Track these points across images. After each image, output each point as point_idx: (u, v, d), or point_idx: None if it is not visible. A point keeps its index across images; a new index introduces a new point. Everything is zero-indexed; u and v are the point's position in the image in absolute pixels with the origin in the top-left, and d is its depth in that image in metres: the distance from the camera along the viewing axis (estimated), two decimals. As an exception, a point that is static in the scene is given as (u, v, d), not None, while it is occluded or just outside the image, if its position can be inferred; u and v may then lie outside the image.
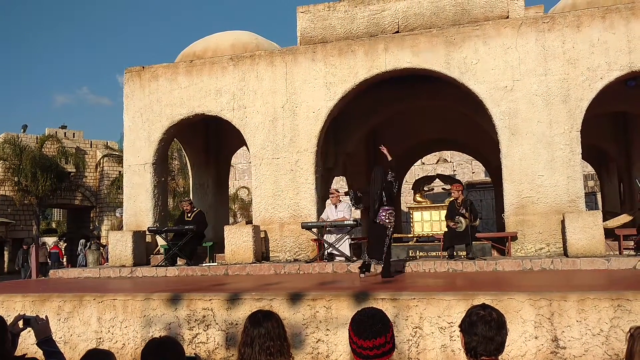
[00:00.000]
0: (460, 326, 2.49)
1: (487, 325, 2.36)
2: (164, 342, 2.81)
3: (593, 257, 9.22)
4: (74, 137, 35.22)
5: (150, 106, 12.78)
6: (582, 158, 10.62)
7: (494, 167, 15.04)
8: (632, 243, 10.13)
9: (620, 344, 5.45)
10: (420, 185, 15.55)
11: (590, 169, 21.13)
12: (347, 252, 10.74)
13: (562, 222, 9.96)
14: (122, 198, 13.58)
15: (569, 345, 5.66)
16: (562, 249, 10.07)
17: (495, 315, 2.41)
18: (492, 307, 2.47)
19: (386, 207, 8.68)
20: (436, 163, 27.48)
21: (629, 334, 2.24)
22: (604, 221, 10.68)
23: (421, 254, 11.58)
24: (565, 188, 10.24)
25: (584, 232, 9.62)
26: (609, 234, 10.63)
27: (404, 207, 21.63)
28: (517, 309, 5.84)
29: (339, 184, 23.98)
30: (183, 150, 16.97)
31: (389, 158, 8.90)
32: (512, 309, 5.84)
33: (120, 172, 29.83)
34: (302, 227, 11.03)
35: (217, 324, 6.80)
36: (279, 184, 11.68)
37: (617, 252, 10.02)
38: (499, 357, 2.41)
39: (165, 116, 12.66)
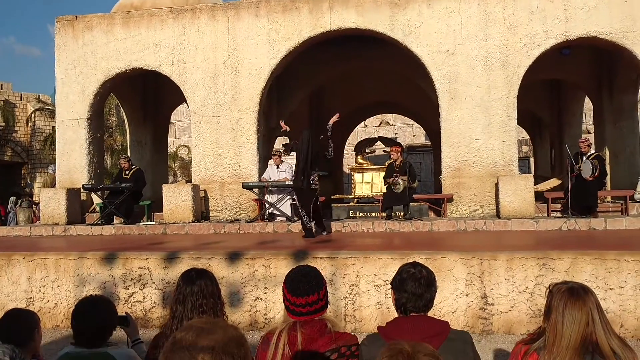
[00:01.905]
0: (391, 283, 2.54)
1: (416, 282, 2.41)
2: (95, 300, 2.75)
3: (523, 219, 9.63)
4: (1, 89, 33.26)
5: (85, 58, 12.18)
6: (518, 123, 10.95)
7: (433, 131, 15.31)
8: (559, 205, 10.63)
9: (543, 300, 5.73)
10: (362, 147, 15.67)
11: (525, 135, 21.88)
12: (288, 212, 10.78)
13: (496, 185, 10.32)
14: (56, 154, 13.03)
15: (497, 301, 5.94)
16: (495, 210, 10.46)
17: (425, 272, 2.46)
18: (422, 265, 2.53)
19: (313, 173, 8.71)
20: (379, 126, 27.75)
21: (548, 290, 2.35)
22: (535, 185, 11.14)
23: (361, 214, 11.77)
24: (501, 152, 10.57)
25: (516, 195, 10.01)
26: (540, 196, 11.12)
27: (345, 169, 21.82)
28: (449, 268, 6.05)
29: (282, 144, 23.86)
30: (121, 106, 16.38)
31: (285, 128, 9.15)
32: (445, 268, 6.04)
33: (53, 127, 28.48)
34: (243, 187, 10.95)
35: (153, 282, 6.72)
36: (219, 142, 11.49)
37: (546, 214, 10.51)
38: (428, 313, 2.47)
39: (100, 69, 12.12)
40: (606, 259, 5.80)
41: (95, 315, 2.68)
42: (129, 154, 14.58)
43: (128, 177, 11.80)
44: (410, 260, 2.72)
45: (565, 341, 2.15)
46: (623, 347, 2.16)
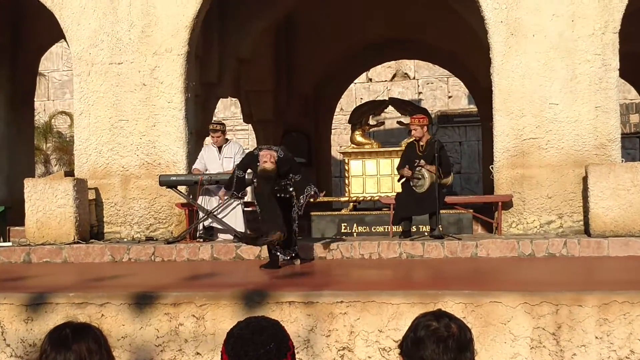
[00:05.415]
0: (399, 346, 2.56)
1: (440, 344, 2.43)
2: None
3: (629, 237, 9.73)
4: None
5: None
6: (621, 77, 11.04)
7: (483, 89, 15.38)
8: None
9: (658, 371, 5.83)
10: (362, 116, 15.65)
11: (634, 95, 22.09)
12: (240, 225, 10.74)
13: (584, 179, 10.40)
14: None
15: (583, 374, 6.01)
16: (582, 223, 10.55)
17: (456, 328, 2.49)
18: (452, 315, 2.55)
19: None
20: (391, 80, 27.79)
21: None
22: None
23: (360, 228, 11.81)
24: (592, 125, 10.65)
25: (618, 197, 10.09)
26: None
27: (335, 153, 21.79)
28: (504, 319, 6.10)
29: (230, 110, 23.83)
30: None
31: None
32: (496, 319, 6.09)
33: None
34: (161, 184, 10.94)
35: (8, 345, 6.70)
36: (121, 108, 11.46)
37: (667, 229, 10.64)
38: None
39: None
40: None
41: None
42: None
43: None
44: (439, 307, 2.75)
45: None
46: None
